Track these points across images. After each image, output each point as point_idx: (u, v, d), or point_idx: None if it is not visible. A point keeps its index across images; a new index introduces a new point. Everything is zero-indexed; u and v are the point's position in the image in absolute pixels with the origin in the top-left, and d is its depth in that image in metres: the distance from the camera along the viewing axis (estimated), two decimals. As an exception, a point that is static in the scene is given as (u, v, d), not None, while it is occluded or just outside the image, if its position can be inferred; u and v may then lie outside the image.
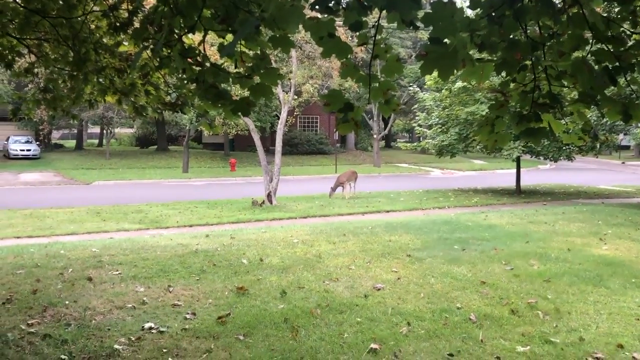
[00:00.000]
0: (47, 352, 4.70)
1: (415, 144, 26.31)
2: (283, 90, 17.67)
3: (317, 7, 2.78)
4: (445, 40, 2.66)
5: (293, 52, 17.52)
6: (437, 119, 19.59)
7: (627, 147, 52.53)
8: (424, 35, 36.16)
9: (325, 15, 2.82)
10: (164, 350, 4.78)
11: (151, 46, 4.13)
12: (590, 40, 2.93)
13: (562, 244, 9.64)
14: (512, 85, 3.34)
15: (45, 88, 5.84)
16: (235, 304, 6.12)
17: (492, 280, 7.15)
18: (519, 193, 19.80)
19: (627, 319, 5.76)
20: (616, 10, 3.18)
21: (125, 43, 5.37)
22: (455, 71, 2.76)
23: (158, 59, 4.17)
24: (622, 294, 6.64)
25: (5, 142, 36.42)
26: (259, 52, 3.36)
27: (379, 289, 6.71)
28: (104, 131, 42.09)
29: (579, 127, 3.61)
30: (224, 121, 27.23)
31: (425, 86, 21.81)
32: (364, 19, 2.78)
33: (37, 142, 37.26)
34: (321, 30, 2.79)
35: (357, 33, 2.85)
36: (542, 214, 13.76)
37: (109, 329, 5.27)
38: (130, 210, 14.93)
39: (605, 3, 3.79)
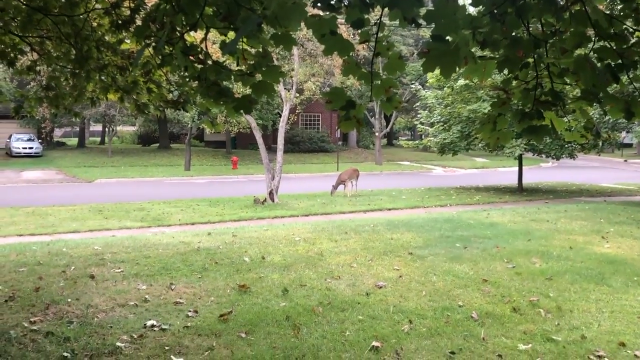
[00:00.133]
0: (49, 350, 4.71)
1: (417, 141, 26.26)
2: (285, 88, 17.67)
3: (319, 4, 2.78)
4: (448, 37, 2.66)
5: (295, 50, 17.50)
6: (439, 117, 19.57)
7: (629, 145, 52.40)
8: (426, 32, 36.11)
9: (327, 13, 2.82)
10: (166, 348, 4.79)
11: (153, 44, 4.13)
12: (593, 38, 2.92)
13: (564, 242, 9.63)
14: (514, 82, 3.34)
15: (48, 86, 5.85)
16: (237, 301, 6.13)
17: (494, 278, 7.15)
18: (521, 191, 19.78)
19: (629, 317, 5.75)
20: (619, 7, 3.17)
21: (127, 41, 5.37)
22: (457, 69, 2.75)
23: (160, 57, 4.17)
24: (624, 292, 6.64)
25: (8, 140, 36.47)
26: (260, 49, 3.36)
27: (380, 287, 6.71)
28: (106, 129, 42.10)
29: (581, 124, 3.60)
30: (225, 119, 27.22)
31: (427, 84, 21.78)
32: (365, 16, 2.78)
33: (40, 140, 37.28)
34: (323, 28, 2.79)
35: (359, 30, 2.85)
36: (544, 212, 13.75)
37: (111, 327, 5.28)
38: (132, 208, 14.94)
39: (608, 0, 3.78)
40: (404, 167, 34.76)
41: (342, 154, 38.25)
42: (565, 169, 32.26)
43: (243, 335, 5.10)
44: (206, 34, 3.36)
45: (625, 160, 41.39)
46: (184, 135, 40.94)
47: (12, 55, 5.60)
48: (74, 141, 48.09)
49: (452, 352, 4.76)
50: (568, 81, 3.13)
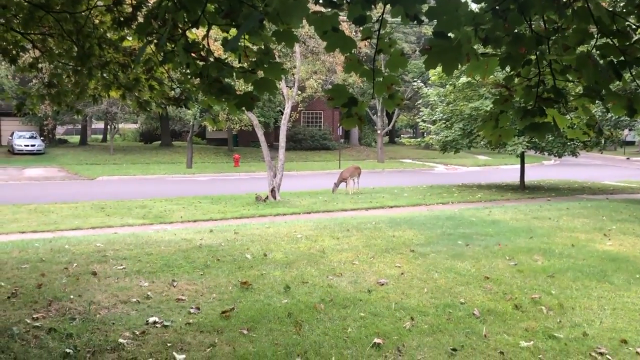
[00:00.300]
0: (52, 346, 4.73)
1: (419, 139, 26.24)
2: (287, 86, 17.66)
3: (320, 1, 2.77)
4: (450, 34, 2.65)
5: (297, 47, 17.48)
6: (441, 115, 19.54)
7: (632, 143, 52.27)
8: (428, 30, 36.07)
9: (329, 10, 2.81)
10: (168, 345, 4.80)
11: (155, 41, 4.13)
12: (596, 35, 2.91)
13: (566, 240, 9.63)
14: (516, 79, 3.33)
15: (50, 83, 5.85)
16: (239, 298, 6.14)
17: (496, 276, 7.15)
18: (523, 189, 19.76)
19: (631, 314, 5.75)
20: (621, 4, 3.16)
21: (129, 38, 5.37)
22: (459, 66, 2.75)
23: (162, 54, 4.17)
24: (626, 289, 6.64)
25: (10, 138, 36.53)
26: (262, 46, 3.36)
27: (382, 284, 6.72)
28: (108, 126, 42.15)
29: (583, 122, 3.60)
30: (227, 116, 27.22)
31: (430, 81, 21.76)
32: (367, 13, 2.77)
33: (42, 138, 37.34)
34: (325, 25, 2.78)
35: (361, 27, 2.85)
36: (546, 210, 13.74)
37: (113, 323, 5.30)
38: (134, 205, 14.96)
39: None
40: (406, 164, 34.73)
41: (343, 151, 38.24)
42: (568, 167, 32.22)
43: (245, 332, 5.11)
44: (208, 31, 3.36)
45: (628, 158, 41.32)
46: (185, 133, 41.02)
47: (14, 52, 5.61)
48: (76, 139, 48.21)
49: (454, 349, 4.77)
50: (570, 78, 3.12)
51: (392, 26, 31.42)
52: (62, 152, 35.70)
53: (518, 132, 14.69)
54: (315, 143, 40.99)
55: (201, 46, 3.62)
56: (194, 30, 4.08)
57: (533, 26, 2.95)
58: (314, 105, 39.97)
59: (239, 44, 3.15)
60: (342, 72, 28.79)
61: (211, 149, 39.53)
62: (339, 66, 29.85)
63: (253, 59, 3.37)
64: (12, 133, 36.75)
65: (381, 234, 10.06)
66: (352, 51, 2.90)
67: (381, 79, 2.95)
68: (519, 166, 20.94)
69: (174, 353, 4.62)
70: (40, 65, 5.91)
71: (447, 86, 18.85)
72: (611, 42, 2.84)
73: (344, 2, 2.79)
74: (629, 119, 16.92)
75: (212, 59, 3.56)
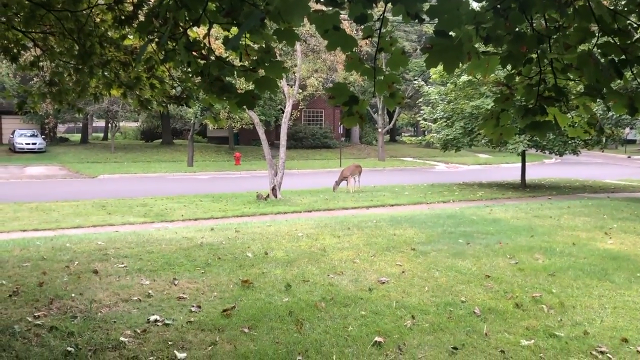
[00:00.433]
0: (53, 344, 4.74)
1: (420, 138, 26.24)
2: (288, 84, 17.66)
3: (322, -1, 2.77)
4: (451, 33, 2.65)
5: (298, 46, 17.48)
6: (442, 113, 19.53)
7: (633, 142, 52.27)
8: (429, 28, 36.05)
9: (330, 8, 2.81)
10: (170, 343, 4.81)
11: (156, 39, 4.14)
12: (597, 33, 2.91)
13: (567, 238, 9.62)
14: (517, 78, 3.33)
15: (51, 81, 5.86)
16: (240, 297, 6.14)
17: (497, 274, 7.15)
18: (524, 187, 19.75)
19: (632, 313, 5.75)
20: (622, 3, 3.16)
21: (130, 36, 5.38)
22: (460, 64, 2.75)
23: (163, 53, 4.17)
24: (627, 288, 6.63)
25: (11, 136, 36.55)
26: (263, 45, 3.36)
27: (383, 283, 6.72)
28: (109, 125, 42.16)
29: (584, 120, 3.60)
30: (228, 115, 27.24)
31: (430, 80, 21.74)
32: (369, 11, 2.77)
33: (43, 136, 37.36)
34: (326, 23, 2.78)
35: (362, 26, 2.84)
36: (547, 208, 13.74)
37: (114, 322, 5.30)
38: (135, 203, 14.98)
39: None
40: (407, 163, 34.72)
41: (344, 150, 38.24)
42: (569, 165, 32.20)
43: (246, 330, 5.12)
44: (209, 30, 3.36)
45: (629, 157, 41.28)
46: (186, 131, 41.01)
47: (15, 50, 5.61)
48: (77, 137, 48.23)
49: (455, 348, 4.77)
50: (571, 77, 3.12)
51: (393, 25, 31.39)
52: (63, 151, 35.72)
53: (519, 130, 14.68)
54: (316, 141, 40.99)
55: (202, 45, 3.62)
56: (195, 28, 4.08)
57: (534, 25, 2.95)
58: (315, 104, 39.96)
59: (240, 42, 3.15)
60: (343, 71, 28.79)
61: (212, 147, 39.54)
62: (340, 65, 29.86)
63: (254, 58, 3.37)
64: (14, 131, 36.76)
65: (382, 233, 10.06)
66: (353, 50, 2.90)
67: (382, 78, 2.95)
68: (519, 165, 20.93)
69: (175, 351, 4.63)
70: (41, 64, 5.92)
71: (448, 85, 18.85)
72: (612, 41, 2.84)
73: (345, 0, 2.79)
74: (630, 117, 16.91)
75: (213, 58, 3.56)
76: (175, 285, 6.57)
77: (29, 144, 34.55)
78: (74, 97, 6.00)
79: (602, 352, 4.73)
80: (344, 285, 6.64)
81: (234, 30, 3.44)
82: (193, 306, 5.77)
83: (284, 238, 9.49)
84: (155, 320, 5.34)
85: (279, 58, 3.43)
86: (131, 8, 4.72)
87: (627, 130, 29.53)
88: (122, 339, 4.86)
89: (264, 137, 16.87)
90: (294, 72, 19.37)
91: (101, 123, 51.86)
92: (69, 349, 4.62)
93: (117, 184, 22.11)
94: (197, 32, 4.69)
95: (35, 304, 5.81)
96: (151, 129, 47.89)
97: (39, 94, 5.99)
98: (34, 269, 7.21)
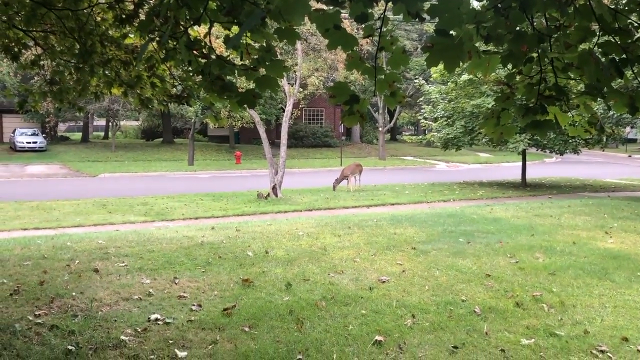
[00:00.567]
0: (54, 343, 4.74)
1: (420, 136, 26.26)
2: (288, 83, 17.66)
3: (322, -2, 2.77)
4: (451, 32, 2.65)
5: (298, 45, 17.48)
6: (443, 112, 19.53)
7: (633, 141, 52.24)
8: (430, 27, 36.02)
9: (331, 7, 2.81)
10: (170, 342, 4.82)
11: (157, 38, 4.14)
12: (597, 32, 2.91)
13: (568, 237, 9.62)
14: (518, 77, 3.33)
15: (52, 80, 5.86)
16: (241, 295, 6.15)
17: (497, 273, 7.16)
18: (524, 186, 19.75)
19: (632, 312, 5.75)
20: (623, 2, 3.16)
21: (131, 35, 5.38)
22: (461, 63, 2.75)
23: (164, 51, 4.18)
24: (627, 287, 6.63)
25: (12, 135, 36.56)
26: (264, 44, 3.35)
27: (383, 282, 6.72)
28: (110, 124, 42.20)
29: (585, 119, 3.59)
30: (229, 114, 27.25)
31: (431, 79, 21.73)
32: (369, 10, 2.77)
33: (44, 135, 37.37)
34: (327, 22, 2.78)
35: (363, 25, 2.85)
36: (548, 207, 13.73)
37: (115, 320, 5.31)
38: (136, 202, 14.98)
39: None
40: (408, 162, 34.72)
41: (345, 148, 38.23)
42: (569, 164, 32.18)
43: (246, 329, 5.12)
44: (210, 29, 3.36)
45: (630, 156, 41.25)
46: (187, 130, 41.04)
47: (16, 49, 5.61)
48: (77, 136, 48.24)
49: (455, 347, 4.77)
50: (572, 76, 3.12)
51: (394, 24, 31.39)
52: (64, 149, 35.73)
53: (520, 129, 14.68)
54: (317, 140, 40.99)
55: (203, 44, 3.62)
56: (195, 27, 4.08)
57: (535, 24, 2.95)
58: (315, 103, 39.95)
59: (241, 41, 3.16)
60: (344, 70, 28.78)
61: (213, 146, 39.55)
62: (341, 64, 29.87)
63: (255, 57, 3.37)
64: (14, 130, 36.78)
65: (382, 232, 10.07)
66: (354, 49, 2.90)
67: (383, 77, 2.95)
68: (520, 163, 20.92)
69: (175, 350, 4.64)
70: (42, 63, 5.92)
71: (448, 83, 18.83)
72: (613, 40, 2.84)
73: (346, -1, 2.79)
74: (630, 116, 16.90)
75: (214, 57, 3.56)
76: (176, 284, 6.58)
77: (29, 142, 34.57)
78: (74, 96, 6.01)
79: (602, 351, 4.73)
80: (344, 284, 6.65)
81: (235, 29, 3.44)
82: (194, 305, 5.78)
83: (284, 237, 9.49)
84: (156, 319, 5.34)
85: (279, 57, 3.43)
86: (132, 7, 4.72)
87: (628, 129, 29.52)
88: (122, 337, 4.87)
89: (265, 136, 16.88)
90: (294, 71, 19.37)
91: (102, 122, 51.85)
92: (70, 347, 4.63)
93: (118, 182, 22.12)
94: (198, 31, 4.69)
95: (36, 303, 5.82)
96: (152, 128, 47.89)
97: (40, 93, 6.00)
98: (34, 268, 7.22)
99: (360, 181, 18.74)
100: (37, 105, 6.22)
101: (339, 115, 41.18)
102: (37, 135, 35.94)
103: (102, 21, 5.36)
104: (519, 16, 2.71)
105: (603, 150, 24.50)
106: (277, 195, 16.01)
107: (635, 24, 2.97)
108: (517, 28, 2.82)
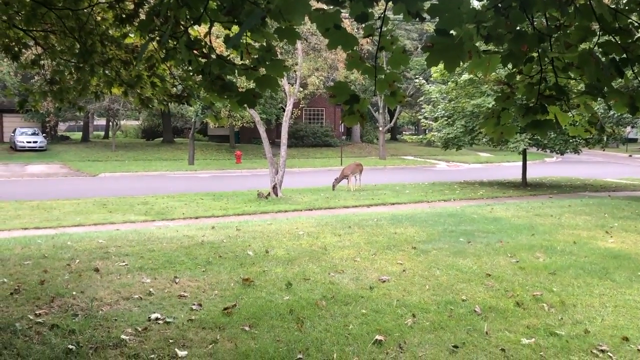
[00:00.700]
0: (54, 342, 4.75)
1: (421, 136, 26.23)
2: (289, 83, 17.66)
3: (323, -2, 2.77)
4: (452, 31, 2.65)
5: (299, 44, 17.48)
6: (443, 112, 19.52)
7: (634, 140, 52.25)
8: (430, 27, 36.01)
9: (331, 7, 2.81)
10: (170, 341, 4.82)
11: (157, 38, 4.14)
12: (598, 32, 2.91)
13: (568, 237, 9.62)
14: (518, 77, 3.33)
15: (52, 80, 5.86)
16: (241, 295, 6.15)
17: (498, 273, 7.16)
18: (525, 186, 19.75)
19: (633, 311, 5.75)
20: (624, 1, 3.16)
21: (131, 35, 5.38)
22: (461, 63, 2.75)
23: (164, 51, 4.18)
24: (627, 286, 6.64)
25: (12, 134, 36.57)
26: (264, 43, 3.36)
27: (384, 281, 6.73)
28: (110, 123, 42.21)
29: (585, 119, 3.60)
30: (229, 113, 27.26)
31: (431, 78, 21.73)
32: (370, 10, 2.77)
33: (44, 134, 37.38)
34: (327, 22, 2.78)
35: (363, 25, 2.85)
36: (548, 207, 13.73)
37: (115, 320, 5.31)
38: (136, 202, 14.99)
39: (613, -6, 3.76)
40: (408, 161, 34.72)
41: (345, 148, 38.23)
42: (570, 164, 32.18)
43: (247, 328, 5.13)
44: (210, 28, 3.36)
45: (630, 155, 41.24)
46: (187, 130, 41.04)
47: (16, 49, 5.62)
48: (78, 135, 48.24)
49: (455, 346, 4.78)
50: (572, 75, 3.12)
51: (394, 23, 31.38)
52: (64, 149, 35.74)
53: (520, 129, 14.67)
54: (317, 140, 41.00)
55: (203, 43, 3.62)
56: (196, 27, 4.08)
57: (535, 23, 2.95)
58: (315, 102, 39.94)
59: (241, 41, 3.16)
60: (344, 69, 28.78)
61: (213, 145, 39.55)
62: (341, 63, 29.87)
63: (255, 56, 3.38)
64: (14, 130, 36.79)
65: (383, 231, 10.07)
66: (354, 48, 2.90)
67: (383, 76, 2.95)
68: (520, 163, 20.92)
69: (176, 349, 4.64)
70: (42, 62, 5.92)
71: (449, 83, 18.83)
72: (613, 40, 2.84)
73: (346, -1, 2.79)
74: (631, 116, 16.89)
75: (214, 56, 3.56)
76: (176, 283, 6.58)
77: (30, 142, 34.57)
78: (74, 96, 6.01)
79: (602, 351, 4.73)
80: (344, 283, 6.65)
81: (235, 28, 3.43)
82: (194, 304, 5.78)
83: (284, 236, 9.50)
84: (156, 319, 5.34)
85: (279, 56, 3.43)
86: (132, 6, 4.72)
87: (628, 129, 29.51)
88: (123, 336, 4.87)
89: (265, 135, 16.88)
90: (294, 71, 19.37)
91: (102, 121, 51.88)
92: (70, 346, 4.63)
93: (118, 182, 22.13)
94: (198, 30, 4.69)
95: (37, 302, 5.82)
96: (152, 128, 47.90)
97: (40, 93, 6.00)
98: (35, 267, 7.22)
99: (361, 181, 18.74)
100: (38, 105, 6.22)
101: (339, 115, 41.22)
102: (37, 134, 35.94)
103: (103, 21, 5.37)
104: (519, 16, 2.71)
105: (603, 150, 24.51)
106: (277, 195, 16.01)
107: (636, 24, 2.97)
108: (518, 28, 2.82)
